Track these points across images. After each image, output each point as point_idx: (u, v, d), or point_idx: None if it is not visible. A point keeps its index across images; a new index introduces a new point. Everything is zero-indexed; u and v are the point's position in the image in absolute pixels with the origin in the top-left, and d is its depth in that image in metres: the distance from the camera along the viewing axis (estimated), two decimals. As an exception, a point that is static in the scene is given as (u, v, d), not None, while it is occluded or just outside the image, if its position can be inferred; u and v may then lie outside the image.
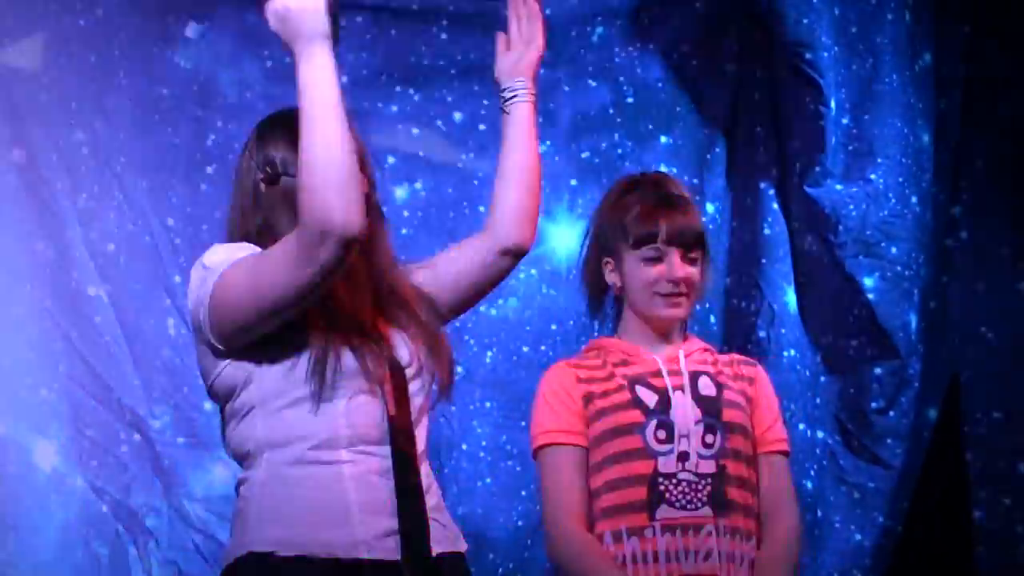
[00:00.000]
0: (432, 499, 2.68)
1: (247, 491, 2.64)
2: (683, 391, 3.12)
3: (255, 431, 2.63)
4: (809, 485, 4.43)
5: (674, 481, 3.06)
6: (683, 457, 3.07)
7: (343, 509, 2.59)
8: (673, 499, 3.05)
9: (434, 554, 2.64)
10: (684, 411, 3.10)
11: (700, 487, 3.06)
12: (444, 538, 2.68)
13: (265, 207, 2.66)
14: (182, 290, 4.18)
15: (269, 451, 2.63)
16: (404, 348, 2.71)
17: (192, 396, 4.21)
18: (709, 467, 3.07)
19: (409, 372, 2.70)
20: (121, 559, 4.17)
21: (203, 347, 2.66)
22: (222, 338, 2.61)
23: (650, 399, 3.11)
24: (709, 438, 3.09)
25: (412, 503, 2.63)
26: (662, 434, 3.08)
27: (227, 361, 2.64)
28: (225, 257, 2.61)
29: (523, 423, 4.22)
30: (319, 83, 2.53)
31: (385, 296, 2.75)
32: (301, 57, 2.54)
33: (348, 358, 2.61)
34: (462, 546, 2.73)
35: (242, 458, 2.68)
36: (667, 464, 3.06)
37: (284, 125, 2.67)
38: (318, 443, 2.61)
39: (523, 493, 4.38)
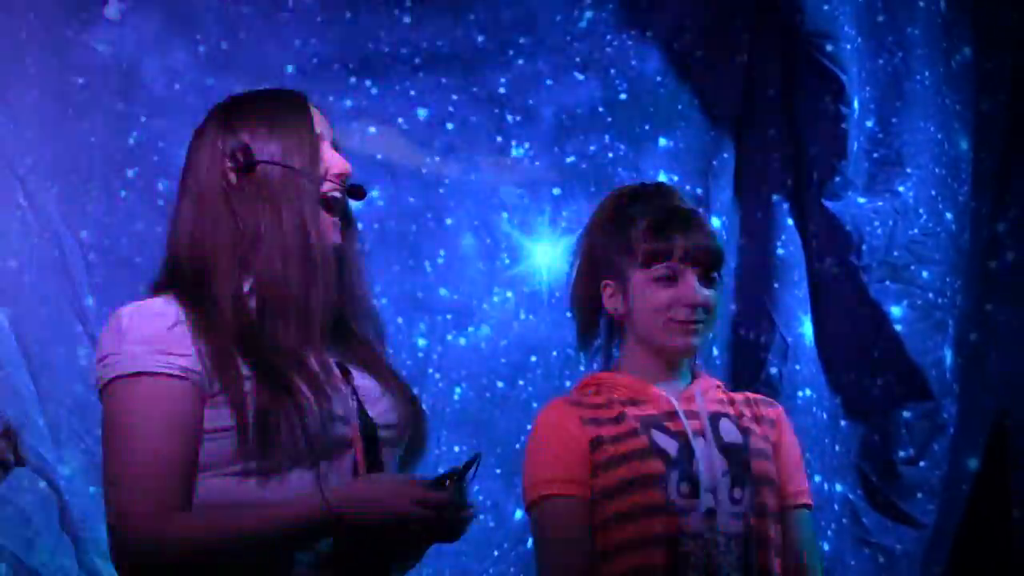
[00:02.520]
0: None
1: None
2: (704, 437, 3.10)
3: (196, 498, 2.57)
4: (826, 547, 4.43)
5: (700, 543, 3.02)
6: (710, 515, 3.03)
7: None
8: (699, 564, 3.01)
9: None
10: (709, 461, 3.07)
11: (728, 551, 3.03)
12: None
13: (237, 204, 2.63)
14: (96, 314, 4.20)
15: None
16: (380, 403, 2.68)
17: (108, 439, 4.16)
18: (738, 527, 3.04)
19: (385, 434, 2.66)
20: (21, 627, 4.16)
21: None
22: None
23: (670, 446, 3.07)
24: (737, 493, 3.07)
25: None
26: (686, 488, 3.04)
27: None
28: (119, 352, 2.55)
29: (498, 470, 4.25)
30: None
31: (356, 331, 2.74)
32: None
33: (310, 417, 2.55)
34: None
35: None
36: (692, 523, 3.02)
37: (255, 106, 2.70)
38: None
39: (495, 553, 4.38)
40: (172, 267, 2.65)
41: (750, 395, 3.27)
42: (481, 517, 4.30)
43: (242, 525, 2.49)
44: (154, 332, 2.53)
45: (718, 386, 3.22)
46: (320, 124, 2.71)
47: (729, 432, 3.10)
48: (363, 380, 2.67)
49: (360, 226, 2.85)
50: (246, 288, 2.60)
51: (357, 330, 2.75)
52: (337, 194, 2.67)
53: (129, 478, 2.50)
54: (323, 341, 2.64)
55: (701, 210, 4.42)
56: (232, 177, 2.63)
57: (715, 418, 3.10)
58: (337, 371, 2.63)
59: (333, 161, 2.68)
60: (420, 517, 2.51)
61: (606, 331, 3.20)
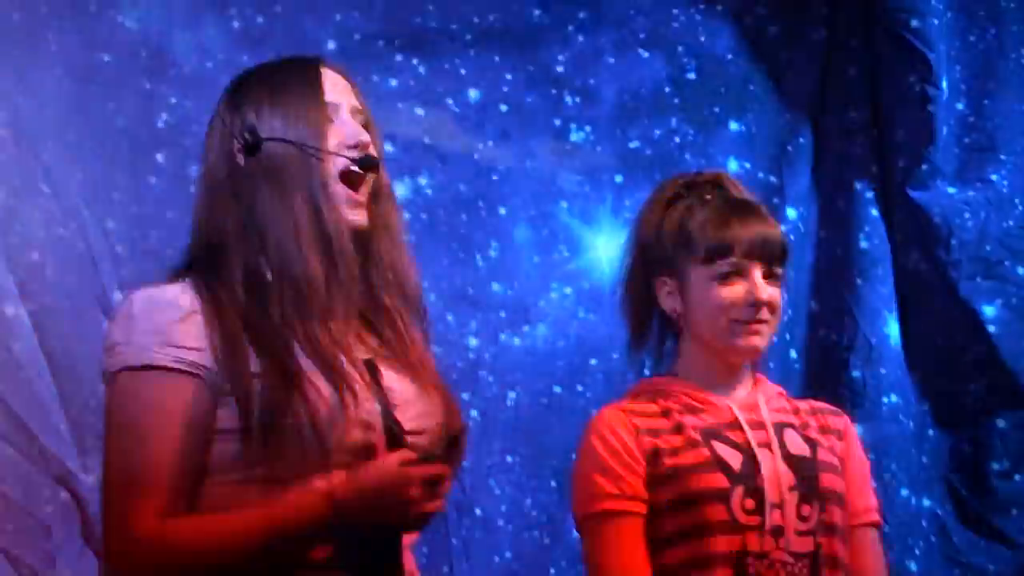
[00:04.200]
0: None
1: None
2: (769, 449, 3.10)
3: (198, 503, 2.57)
4: (913, 567, 4.46)
5: (767, 563, 3.03)
6: (777, 532, 3.03)
7: None
8: None
9: None
10: (775, 475, 3.08)
11: (796, 571, 3.04)
12: None
13: (244, 187, 2.61)
14: None
15: None
16: (412, 407, 2.64)
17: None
18: (806, 545, 3.05)
19: (415, 442, 2.60)
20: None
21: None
22: None
23: (733, 459, 3.07)
24: (805, 509, 3.07)
25: None
26: (750, 504, 3.04)
27: None
28: (127, 342, 2.55)
29: (553, 483, 4.25)
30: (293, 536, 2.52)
31: (388, 322, 2.70)
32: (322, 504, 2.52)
33: (327, 425, 2.52)
34: None
35: None
36: (758, 541, 3.02)
37: (264, 83, 2.68)
38: None
39: (552, 571, 4.37)
40: (190, 253, 2.65)
41: (814, 403, 3.27)
42: (536, 533, 4.31)
43: (244, 531, 2.48)
44: (165, 322, 2.52)
45: (780, 393, 3.23)
46: (336, 91, 2.69)
47: (795, 443, 3.10)
48: (395, 380, 2.64)
49: (400, 207, 2.81)
50: (268, 276, 2.58)
51: (396, 322, 2.71)
52: (355, 167, 2.64)
53: (128, 477, 2.49)
54: (347, 334, 2.62)
55: (775, 200, 4.44)
56: (240, 159, 2.62)
57: (780, 428, 3.12)
58: (364, 368, 2.60)
59: (345, 131, 2.65)
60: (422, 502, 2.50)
61: (660, 332, 3.22)
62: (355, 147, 2.63)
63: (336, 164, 2.61)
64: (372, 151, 2.65)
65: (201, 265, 2.60)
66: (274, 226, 2.57)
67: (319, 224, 2.58)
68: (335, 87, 2.67)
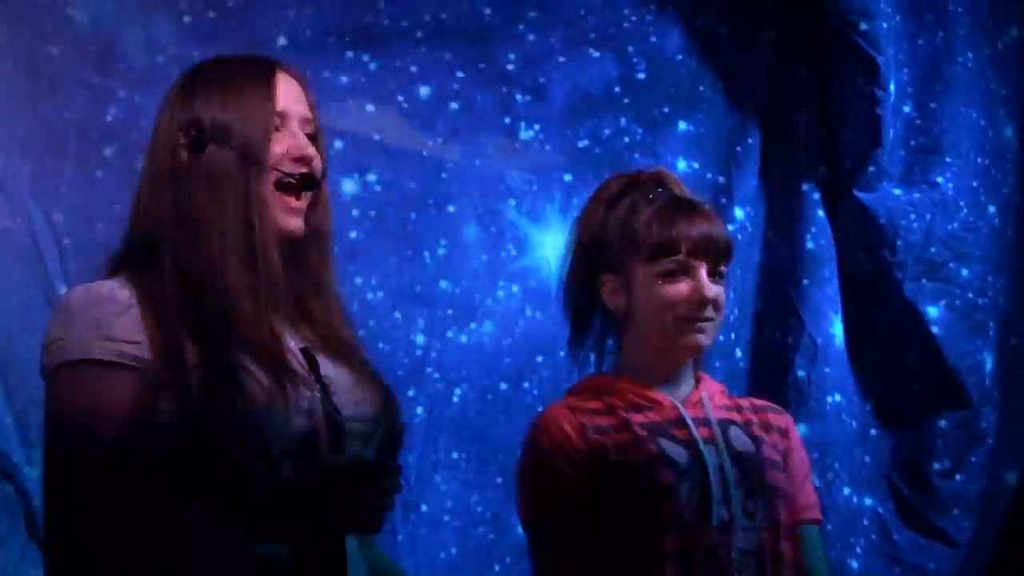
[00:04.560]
0: None
1: None
2: (714, 446, 3.09)
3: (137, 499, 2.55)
4: (855, 565, 4.46)
5: (713, 560, 3.02)
6: (723, 530, 3.04)
7: None
8: None
9: None
10: (721, 472, 3.08)
11: (743, 568, 3.05)
12: None
13: (182, 184, 2.61)
14: None
15: None
16: (350, 393, 2.65)
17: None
18: (751, 542, 3.06)
19: (354, 427, 2.62)
20: (-13, 631, 4.13)
21: None
22: None
23: (679, 456, 3.07)
24: (751, 506, 3.08)
25: None
26: (696, 499, 3.05)
27: None
28: (65, 337, 2.56)
29: (499, 479, 4.25)
30: None
31: (325, 313, 2.72)
32: None
33: (271, 412, 2.53)
34: None
35: None
36: (705, 539, 3.02)
37: (217, 80, 2.66)
38: None
39: (496, 568, 4.38)
40: (126, 247, 2.64)
41: (755, 401, 3.28)
42: (481, 529, 4.33)
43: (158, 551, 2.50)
44: (102, 317, 2.52)
45: (722, 391, 3.23)
46: (288, 99, 2.68)
47: (740, 440, 3.11)
48: (331, 368, 2.64)
49: (332, 209, 2.79)
50: (195, 273, 2.58)
51: (327, 317, 2.73)
52: (292, 180, 2.64)
53: (62, 472, 2.50)
54: (282, 320, 2.64)
55: (723, 200, 4.46)
56: (183, 155, 2.61)
57: (725, 425, 3.12)
58: (301, 358, 2.61)
59: (289, 143, 2.64)
60: None
61: (602, 329, 3.22)
62: (299, 160, 2.64)
63: (275, 175, 2.62)
64: (316, 165, 2.65)
65: (137, 255, 2.60)
66: (205, 227, 2.57)
67: (248, 234, 2.59)
68: (287, 95, 2.67)
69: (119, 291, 2.55)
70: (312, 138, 2.67)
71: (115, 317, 2.52)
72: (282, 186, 2.63)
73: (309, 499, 2.52)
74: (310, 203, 2.67)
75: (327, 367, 2.63)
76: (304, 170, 2.64)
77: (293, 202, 2.64)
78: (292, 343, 2.62)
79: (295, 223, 2.64)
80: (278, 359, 2.56)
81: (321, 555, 2.56)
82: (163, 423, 2.52)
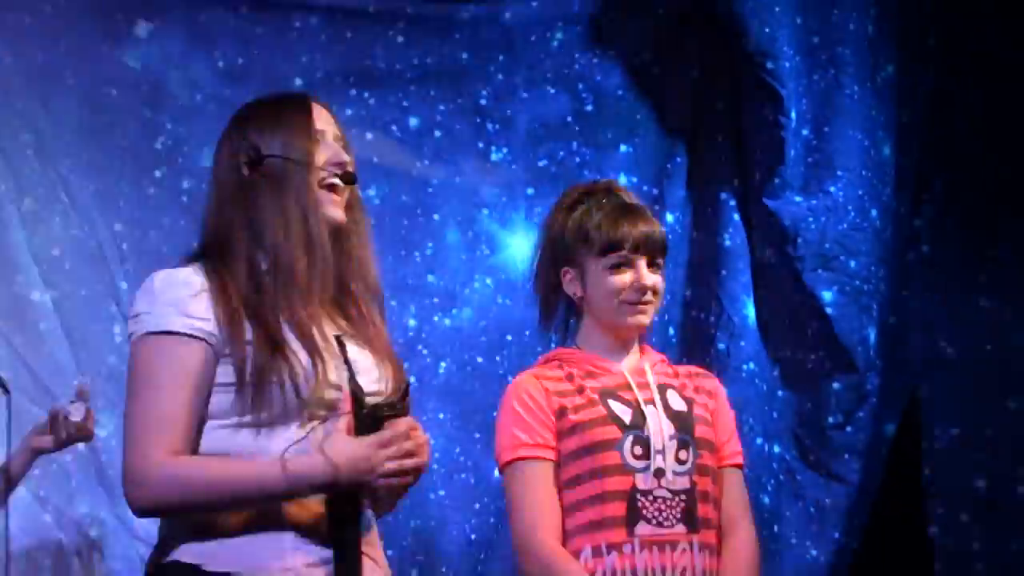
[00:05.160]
0: (368, 532, 2.63)
1: None
2: (654, 405, 3.09)
3: (199, 445, 2.57)
4: (766, 500, 4.43)
5: (651, 498, 3.04)
6: (659, 474, 3.04)
7: (277, 533, 2.54)
8: (650, 516, 3.03)
9: None
10: (658, 426, 3.07)
11: (674, 504, 3.05)
12: (378, 569, 2.63)
13: (248, 195, 2.64)
14: (129, 296, 4.15)
15: None
16: (370, 373, 2.65)
17: (139, 405, 4.18)
18: (683, 484, 3.06)
19: (374, 400, 2.60)
20: (63, 570, 4.10)
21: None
22: None
23: (625, 414, 3.07)
24: (683, 454, 3.07)
25: (348, 534, 2.56)
26: (639, 450, 3.05)
27: None
28: (150, 311, 2.57)
29: (477, 435, 4.24)
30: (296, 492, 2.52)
31: (354, 306, 2.72)
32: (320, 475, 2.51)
33: (304, 385, 2.55)
34: None
35: None
36: (644, 480, 3.03)
37: (266, 112, 2.70)
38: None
39: (476, 506, 4.37)
40: (201, 244, 2.66)
41: (691, 368, 3.27)
42: (463, 475, 4.33)
43: (244, 476, 2.48)
44: (180, 297, 2.54)
45: (663, 360, 3.22)
46: (322, 120, 2.70)
47: (675, 401, 3.11)
48: (357, 353, 2.64)
49: (368, 215, 2.81)
50: (263, 265, 2.60)
51: (360, 307, 2.72)
52: (335, 180, 2.65)
53: (141, 421, 2.51)
54: (321, 315, 2.63)
55: (656, 207, 4.45)
56: (245, 171, 2.62)
57: (663, 389, 3.11)
58: (334, 342, 2.61)
59: (329, 152, 2.66)
60: (397, 469, 2.49)
61: (565, 312, 3.19)
62: (338, 165, 2.66)
63: (321, 177, 2.64)
64: (351, 167, 2.68)
65: (209, 251, 2.63)
66: (270, 225, 2.60)
67: (305, 224, 2.60)
68: (320, 117, 2.69)
69: (193, 277, 2.57)
70: (344, 149, 2.70)
71: (190, 298, 2.55)
72: (326, 186, 2.65)
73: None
74: (348, 204, 2.69)
75: (354, 352, 2.62)
76: (342, 171, 2.66)
77: (336, 197, 2.66)
78: (328, 331, 2.62)
79: (339, 213, 2.66)
80: (315, 342, 2.57)
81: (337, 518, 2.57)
82: (221, 384, 2.54)
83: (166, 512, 2.54)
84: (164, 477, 2.48)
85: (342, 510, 2.56)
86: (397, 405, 2.57)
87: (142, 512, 2.55)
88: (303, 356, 2.54)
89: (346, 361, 2.61)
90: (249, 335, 2.54)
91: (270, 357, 2.53)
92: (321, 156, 2.65)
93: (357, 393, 2.58)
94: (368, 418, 2.53)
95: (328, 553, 2.53)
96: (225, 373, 2.54)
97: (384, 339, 2.74)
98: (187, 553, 2.53)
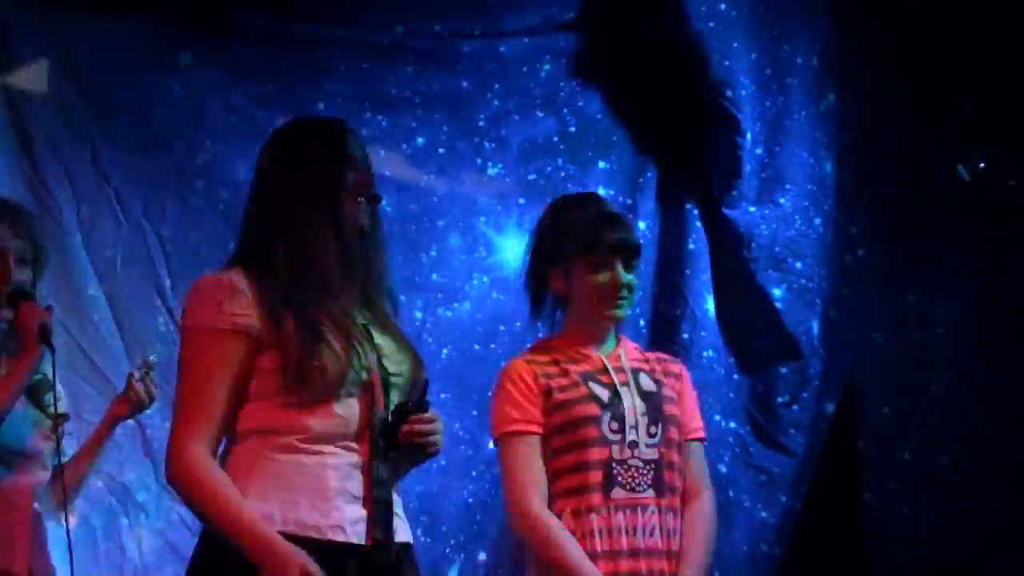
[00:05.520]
0: (395, 495, 2.66)
1: (232, 466, 2.59)
2: (628, 387, 3.13)
3: (248, 418, 2.60)
4: (723, 469, 4.41)
5: (625, 467, 3.07)
6: (632, 446, 3.08)
7: (323, 494, 2.57)
8: (624, 482, 3.06)
9: (396, 541, 2.62)
10: (632, 405, 3.11)
11: (645, 472, 3.08)
12: (401, 529, 2.66)
13: (287, 202, 2.66)
14: (173, 292, 4.18)
15: (259, 437, 2.59)
16: (393, 357, 2.69)
17: (178, 387, 4.19)
18: (652, 454, 3.09)
19: (395, 381, 2.66)
20: (113, 529, 4.08)
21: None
22: None
23: (603, 394, 3.11)
24: (652, 429, 3.11)
25: (383, 495, 2.60)
26: (615, 425, 3.09)
27: None
28: (198, 309, 2.60)
29: (474, 412, 4.25)
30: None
31: (378, 302, 2.75)
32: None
33: (344, 367, 2.58)
34: (410, 538, 2.71)
35: (228, 437, 2.64)
36: (619, 451, 3.07)
37: (306, 131, 2.74)
38: (308, 437, 2.58)
39: (473, 473, 4.34)
40: (243, 248, 2.69)
41: (660, 355, 3.31)
42: (462, 447, 4.33)
43: (221, 500, 2.50)
44: (225, 296, 2.57)
45: (636, 348, 3.26)
46: (352, 146, 2.72)
47: (646, 383, 3.15)
48: (382, 340, 2.68)
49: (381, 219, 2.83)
50: (300, 266, 2.62)
51: (379, 304, 2.75)
52: (360, 197, 2.68)
53: (186, 407, 2.56)
54: (352, 308, 2.66)
55: (630, 216, 4.44)
56: (285, 183, 2.65)
57: (636, 372, 3.15)
58: (364, 331, 2.65)
59: (358, 175, 2.69)
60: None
61: (552, 306, 3.22)
62: (364, 186, 2.70)
63: (351, 194, 2.67)
64: (372, 189, 2.72)
65: (250, 254, 2.66)
66: (308, 227, 2.63)
67: (338, 231, 2.64)
68: (352, 144, 2.72)
69: (236, 278, 2.60)
70: (368, 172, 2.73)
71: (233, 297, 2.57)
72: (353, 200, 2.68)
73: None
74: (370, 218, 2.72)
75: (379, 338, 2.68)
76: (368, 192, 2.69)
77: (358, 208, 2.68)
78: (358, 320, 2.65)
79: (364, 220, 2.68)
80: (349, 330, 2.61)
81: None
82: (266, 370, 2.57)
83: (177, 493, 2.57)
84: (184, 470, 2.52)
85: (380, 476, 2.60)
86: (420, 403, 2.63)
87: (167, 482, 2.58)
88: (338, 344, 2.57)
89: (374, 347, 2.65)
90: (292, 327, 2.56)
91: (310, 345, 2.55)
92: (351, 176, 2.68)
93: (384, 375, 2.62)
94: (396, 415, 2.60)
95: (365, 512, 2.57)
96: (270, 360, 2.56)
97: (400, 329, 2.76)
98: None
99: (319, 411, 2.57)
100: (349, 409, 2.59)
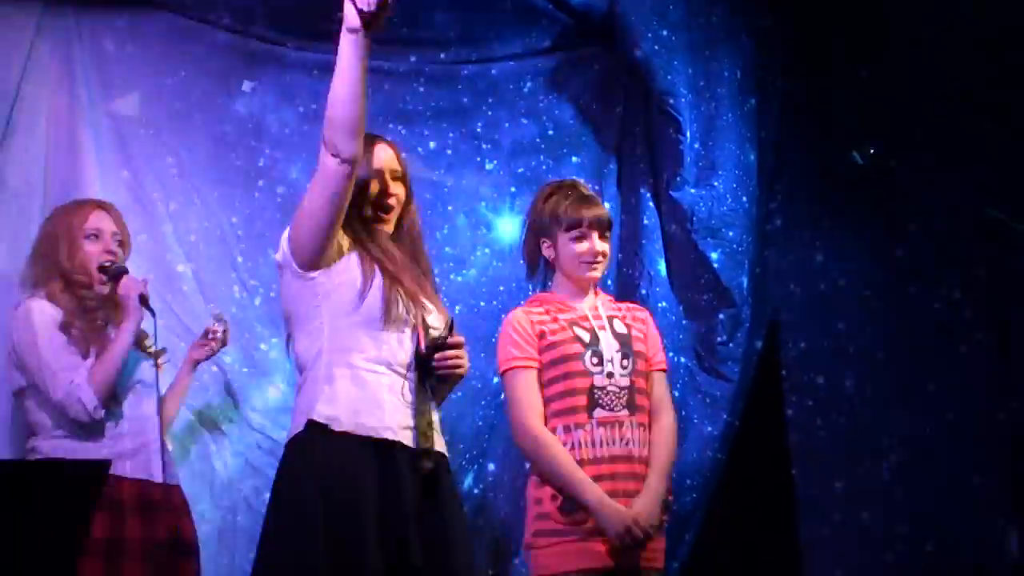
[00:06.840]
0: (436, 413, 2.77)
1: (310, 385, 2.66)
2: (605, 330, 3.16)
3: (320, 339, 2.68)
4: (676, 394, 4.35)
5: (604, 392, 3.09)
6: (609, 375, 3.11)
7: (379, 406, 2.65)
8: (604, 404, 3.09)
9: (435, 450, 2.72)
10: (608, 344, 3.13)
11: (621, 396, 3.11)
12: (439, 443, 2.75)
13: (342, 187, 2.68)
14: (244, 267, 4.21)
15: (330, 355, 2.67)
16: (434, 316, 2.81)
17: (253, 339, 4.18)
18: (625, 382, 3.13)
19: (433, 333, 2.79)
20: (204, 452, 4.06)
21: (286, 278, 2.73)
22: (298, 257, 2.67)
23: (585, 336, 3.14)
24: (625, 362, 3.14)
25: (426, 411, 2.71)
26: (595, 360, 3.11)
27: (303, 283, 2.68)
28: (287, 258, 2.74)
29: (482, 354, 4.19)
30: (347, 57, 2.64)
31: (422, 272, 2.87)
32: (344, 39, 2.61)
33: (405, 307, 2.72)
34: (445, 450, 2.78)
35: (305, 362, 2.70)
36: (599, 380, 3.10)
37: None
38: (370, 358, 2.69)
39: (482, 402, 4.33)
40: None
41: (630, 304, 3.35)
42: (472, 382, 4.33)
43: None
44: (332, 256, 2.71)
45: (611, 299, 3.29)
46: (384, 149, 2.82)
47: (619, 327, 3.17)
48: (428, 303, 2.80)
49: (417, 212, 2.96)
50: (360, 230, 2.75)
51: (429, 280, 2.86)
52: (380, 210, 2.79)
53: None
54: (414, 283, 2.77)
55: (598, 196, 4.46)
56: (342, 176, 2.66)
57: (610, 319, 3.17)
58: (414, 294, 2.77)
59: (379, 186, 2.79)
60: None
61: (543, 270, 3.25)
62: (380, 194, 2.79)
63: (374, 202, 2.78)
64: (392, 201, 2.79)
65: (357, 230, 2.76)
66: (360, 204, 2.74)
67: (382, 202, 2.76)
68: (379, 158, 2.80)
69: (343, 239, 2.75)
70: (400, 178, 2.80)
71: (346, 258, 2.71)
72: (379, 207, 2.79)
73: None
74: (404, 206, 2.83)
75: (427, 303, 2.80)
76: (384, 200, 2.79)
77: (383, 217, 2.80)
78: (409, 286, 2.76)
79: (387, 227, 2.80)
80: (412, 294, 2.74)
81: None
82: (346, 286, 2.68)
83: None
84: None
85: (423, 396, 2.69)
86: (447, 336, 2.75)
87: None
88: (404, 302, 2.71)
89: (421, 306, 2.76)
90: (377, 278, 2.68)
91: (387, 292, 2.67)
92: (374, 187, 2.77)
93: (426, 326, 2.74)
94: (430, 348, 2.71)
95: (412, 423, 2.66)
96: (351, 282, 2.67)
97: (434, 291, 2.89)
98: (318, 415, 2.61)
99: (381, 339, 2.66)
100: (404, 342, 2.69)
